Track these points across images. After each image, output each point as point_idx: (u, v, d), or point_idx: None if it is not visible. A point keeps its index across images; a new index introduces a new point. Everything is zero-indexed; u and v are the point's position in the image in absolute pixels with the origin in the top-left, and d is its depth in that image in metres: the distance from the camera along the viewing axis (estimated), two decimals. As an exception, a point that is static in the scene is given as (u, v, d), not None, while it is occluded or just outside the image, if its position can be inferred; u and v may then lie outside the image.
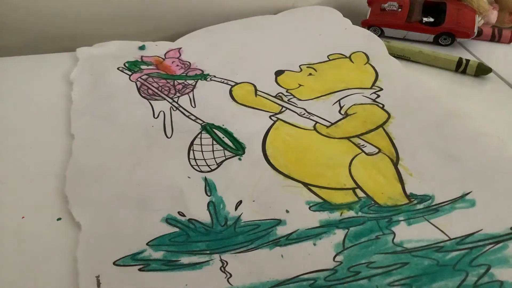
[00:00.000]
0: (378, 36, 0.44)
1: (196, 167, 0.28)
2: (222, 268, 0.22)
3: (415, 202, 0.26)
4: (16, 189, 0.27)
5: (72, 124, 0.31)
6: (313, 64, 0.40)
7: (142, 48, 0.39)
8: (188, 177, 0.28)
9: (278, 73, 0.38)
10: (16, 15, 0.40)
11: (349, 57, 0.40)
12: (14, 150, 0.29)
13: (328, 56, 0.41)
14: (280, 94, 0.36)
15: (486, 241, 0.23)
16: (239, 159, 0.29)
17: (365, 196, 0.26)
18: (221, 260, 0.23)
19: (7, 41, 0.41)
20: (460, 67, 0.41)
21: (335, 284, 0.22)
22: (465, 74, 0.41)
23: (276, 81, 0.37)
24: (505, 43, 0.50)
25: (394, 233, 0.24)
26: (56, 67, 0.37)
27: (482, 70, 0.40)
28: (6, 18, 0.40)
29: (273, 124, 0.32)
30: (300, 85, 0.37)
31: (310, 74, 0.38)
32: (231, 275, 0.22)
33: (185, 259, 0.23)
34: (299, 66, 0.39)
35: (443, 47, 0.47)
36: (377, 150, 0.29)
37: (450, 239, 0.24)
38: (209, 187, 0.27)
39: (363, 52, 0.41)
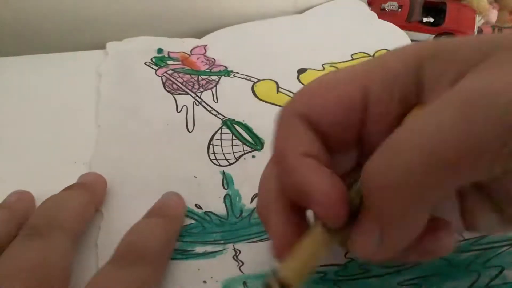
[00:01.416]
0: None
1: (215, 161, 0.29)
2: (235, 257, 0.23)
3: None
4: (41, 175, 0.28)
5: (99, 115, 0.33)
6: (336, 63, 0.40)
7: (159, 51, 0.40)
8: (206, 170, 0.28)
9: (301, 71, 0.39)
10: (45, 16, 0.42)
11: (373, 56, 0.40)
12: (44, 138, 0.31)
13: (351, 55, 0.41)
14: (301, 92, 0.36)
15: (501, 242, 0.23)
16: (258, 151, 0.30)
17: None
18: (234, 249, 0.24)
19: (40, 40, 0.43)
20: None
21: (345, 279, 0.22)
22: None
23: (298, 79, 0.38)
24: (505, 43, 0.49)
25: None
26: (86, 63, 0.39)
27: None
28: (37, 19, 0.42)
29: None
30: (321, 83, 0.37)
31: (333, 72, 0.39)
32: (243, 263, 0.23)
33: (199, 249, 0.24)
34: (322, 65, 0.40)
35: (442, 47, 0.46)
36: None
37: (465, 240, 0.24)
38: (227, 181, 0.28)
39: (387, 50, 0.41)
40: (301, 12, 0.49)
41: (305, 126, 0.18)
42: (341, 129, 0.18)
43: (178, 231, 0.24)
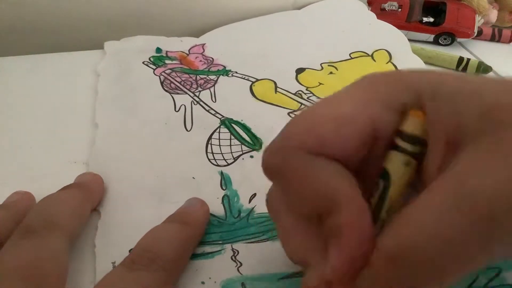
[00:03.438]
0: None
1: (213, 161, 0.29)
2: (233, 257, 0.23)
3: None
4: (40, 175, 0.28)
5: (97, 114, 0.33)
6: (334, 62, 0.40)
7: (158, 51, 0.40)
8: (205, 171, 0.28)
9: (299, 70, 0.39)
10: (45, 17, 0.42)
11: (371, 55, 0.40)
12: (43, 138, 0.31)
13: (350, 54, 0.41)
14: (299, 92, 0.36)
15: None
16: (257, 151, 0.30)
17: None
18: (232, 249, 0.24)
19: (39, 40, 0.43)
20: (461, 66, 0.41)
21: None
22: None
23: (296, 78, 0.38)
24: (505, 43, 0.49)
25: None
26: (84, 63, 0.39)
27: (482, 69, 0.40)
28: (35, 20, 0.42)
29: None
30: (320, 84, 0.37)
31: (331, 72, 0.39)
32: (241, 264, 0.23)
33: (197, 249, 0.24)
34: (320, 64, 0.40)
35: (443, 47, 0.46)
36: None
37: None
38: (225, 181, 0.28)
39: (385, 50, 0.41)
40: (299, 9, 0.49)
41: (323, 159, 0.17)
42: (351, 163, 0.17)
43: (198, 238, 0.24)
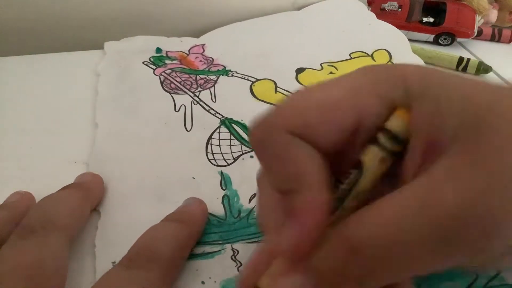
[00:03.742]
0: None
1: (213, 161, 0.29)
2: (233, 257, 0.23)
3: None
4: (40, 175, 0.28)
5: (97, 114, 0.33)
6: (335, 62, 0.40)
7: (158, 51, 0.40)
8: (205, 171, 0.28)
9: (299, 70, 0.39)
10: (45, 17, 0.42)
11: (371, 55, 0.40)
12: (43, 138, 0.31)
13: (350, 54, 0.41)
14: (299, 91, 0.36)
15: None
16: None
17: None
18: (232, 249, 0.24)
19: (39, 40, 0.43)
20: (461, 66, 0.41)
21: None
22: (466, 73, 0.41)
23: (296, 78, 0.38)
24: (505, 43, 0.49)
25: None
26: (84, 63, 0.39)
27: (482, 69, 0.40)
28: (35, 20, 0.42)
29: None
30: (320, 83, 0.37)
31: (331, 72, 0.39)
32: (241, 264, 0.23)
33: (198, 249, 0.24)
34: (320, 64, 0.40)
35: (443, 47, 0.46)
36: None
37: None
38: (225, 181, 0.28)
39: (385, 50, 0.41)
40: (299, 10, 0.49)
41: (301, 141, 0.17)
42: (331, 148, 0.18)
43: (196, 237, 0.24)
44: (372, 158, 0.17)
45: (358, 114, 0.17)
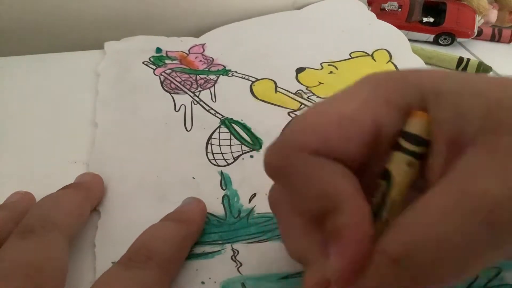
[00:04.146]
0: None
1: (213, 161, 0.29)
2: (233, 257, 0.23)
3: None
4: (40, 175, 0.28)
5: (97, 114, 0.33)
6: (335, 62, 0.40)
7: (158, 51, 0.40)
8: (205, 171, 0.28)
9: (299, 70, 0.39)
10: (45, 17, 0.42)
11: (371, 55, 0.40)
12: (43, 138, 0.31)
13: (350, 54, 0.41)
14: (299, 91, 0.36)
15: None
16: (257, 151, 0.30)
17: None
18: (232, 249, 0.24)
19: (39, 40, 0.43)
20: (461, 66, 0.41)
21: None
22: None
23: (296, 78, 0.38)
24: (505, 43, 0.49)
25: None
26: (84, 63, 0.39)
27: (482, 69, 0.40)
28: (35, 20, 0.42)
29: (291, 121, 0.32)
30: (320, 83, 0.37)
31: (331, 72, 0.39)
32: (241, 264, 0.23)
33: (198, 249, 0.24)
34: (320, 63, 0.40)
35: (443, 47, 0.46)
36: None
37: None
38: (225, 181, 0.28)
39: (385, 50, 0.41)
40: (299, 9, 0.49)
41: (325, 160, 0.17)
42: (354, 162, 0.17)
43: (195, 237, 0.24)
44: (399, 164, 0.16)
45: (376, 124, 0.17)
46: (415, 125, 0.16)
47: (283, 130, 0.18)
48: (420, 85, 0.17)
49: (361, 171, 0.17)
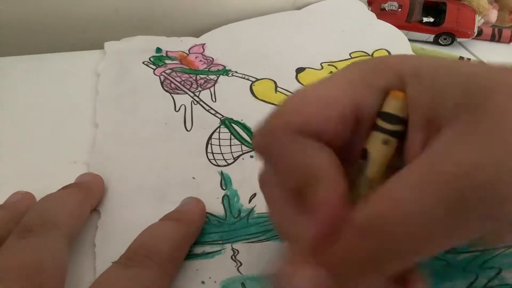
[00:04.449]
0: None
1: (213, 161, 0.29)
2: (233, 257, 0.23)
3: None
4: (40, 175, 0.28)
5: (97, 114, 0.33)
6: (335, 62, 0.40)
7: (158, 51, 0.40)
8: (205, 171, 0.28)
9: (299, 70, 0.39)
10: (45, 17, 0.42)
11: (371, 55, 0.40)
12: (43, 138, 0.31)
13: (350, 54, 0.41)
14: (299, 91, 0.36)
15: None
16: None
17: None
18: (232, 249, 0.24)
19: (39, 40, 0.43)
20: None
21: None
22: None
23: (296, 78, 0.38)
24: (505, 43, 0.49)
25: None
26: (84, 63, 0.39)
27: None
28: (35, 20, 0.42)
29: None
30: (320, 83, 0.37)
31: (331, 72, 0.39)
32: (241, 264, 0.23)
33: (198, 249, 0.24)
34: (321, 64, 0.40)
35: (443, 47, 0.46)
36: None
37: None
38: (225, 181, 0.28)
39: (385, 50, 0.41)
40: (299, 9, 0.49)
41: (306, 138, 0.18)
42: (335, 142, 0.18)
43: (194, 236, 0.24)
44: (376, 142, 0.17)
45: (356, 105, 0.17)
46: (391, 104, 0.17)
47: (271, 111, 0.19)
48: (399, 68, 0.17)
49: (346, 153, 0.18)
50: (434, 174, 0.13)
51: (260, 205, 0.26)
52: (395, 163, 0.17)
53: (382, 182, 0.16)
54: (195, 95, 0.35)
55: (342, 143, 0.18)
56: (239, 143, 0.31)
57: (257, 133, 0.19)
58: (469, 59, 0.42)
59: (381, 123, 0.17)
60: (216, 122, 0.32)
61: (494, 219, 0.13)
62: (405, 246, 0.14)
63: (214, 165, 0.29)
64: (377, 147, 0.17)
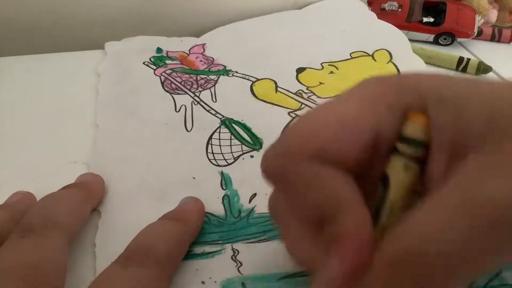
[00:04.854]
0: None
1: (214, 161, 0.29)
2: (233, 257, 0.23)
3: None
4: (41, 175, 0.28)
5: (98, 115, 0.33)
6: (335, 62, 0.40)
7: (158, 51, 0.40)
8: (205, 171, 0.28)
9: (300, 70, 0.39)
10: (45, 17, 0.42)
11: (372, 55, 0.40)
12: (43, 138, 0.31)
13: (350, 54, 0.41)
14: (300, 91, 0.36)
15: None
16: (257, 151, 0.30)
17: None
18: (232, 249, 0.24)
19: (39, 40, 0.43)
20: (461, 66, 0.41)
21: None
22: (466, 73, 0.41)
23: (297, 78, 0.38)
24: (505, 43, 0.49)
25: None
26: (84, 63, 0.39)
27: (482, 69, 0.40)
28: (35, 20, 0.42)
29: (291, 121, 0.32)
30: (320, 83, 0.37)
31: (332, 72, 0.39)
32: (241, 264, 0.23)
33: (198, 249, 0.24)
34: (321, 63, 0.40)
35: (443, 47, 0.46)
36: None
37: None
38: (225, 181, 0.28)
39: (386, 50, 0.41)
40: (300, 9, 0.49)
41: (324, 165, 0.17)
42: (353, 166, 0.17)
43: (193, 235, 0.24)
44: (396, 167, 0.16)
45: (375, 128, 0.17)
46: (411, 127, 0.16)
47: (282, 131, 0.18)
48: (420, 89, 0.17)
49: (361, 175, 0.17)
50: (473, 202, 0.13)
51: (260, 205, 0.26)
52: (414, 186, 0.16)
53: (403, 207, 0.16)
54: (196, 95, 0.35)
55: (359, 168, 0.17)
56: (239, 143, 0.31)
57: (268, 157, 0.18)
58: (469, 59, 0.42)
59: (401, 147, 0.16)
60: (217, 122, 0.32)
61: None
62: (441, 276, 0.13)
63: (214, 165, 0.29)
64: (398, 172, 0.16)
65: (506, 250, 0.13)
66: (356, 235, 0.15)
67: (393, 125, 0.17)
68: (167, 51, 0.41)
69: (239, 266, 0.23)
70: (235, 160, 0.29)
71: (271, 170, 0.18)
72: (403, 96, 0.17)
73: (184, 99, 0.35)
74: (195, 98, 0.35)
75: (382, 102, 0.17)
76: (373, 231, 0.16)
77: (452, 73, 0.41)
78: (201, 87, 0.36)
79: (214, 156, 0.30)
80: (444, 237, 0.13)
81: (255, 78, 0.37)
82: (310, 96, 0.35)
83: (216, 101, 0.35)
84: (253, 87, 0.36)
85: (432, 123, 0.16)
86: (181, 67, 0.39)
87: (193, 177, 0.28)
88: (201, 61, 0.40)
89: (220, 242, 0.24)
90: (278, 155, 0.17)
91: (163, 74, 0.38)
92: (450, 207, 0.13)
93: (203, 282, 0.22)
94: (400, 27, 0.45)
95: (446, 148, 0.15)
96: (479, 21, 0.48)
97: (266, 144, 0.30)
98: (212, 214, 0.26)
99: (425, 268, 0.13)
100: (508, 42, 0.50)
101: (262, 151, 0.30)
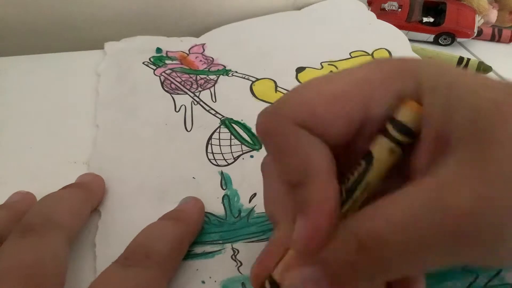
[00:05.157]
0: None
1: (214, 161, 0.29)
2: (233, 257, 0.23)
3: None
4: (41, 175, 0.28)
5: (98, 115, 0.33)
6: (335, 61, 0.40)
7: (158, 51, 0.40)
8: (205, 171, 0.28)
9: (299, 70, 0.39)
10: (45, 17, 0.42)
11: (371, 55, 0.40)
12: (43, 138, 0.31)
13: (350, 54, 0.41)
14: (300, 91, 0.36)
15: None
16: (257, 151, 0.30)
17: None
18: (232, 248, 0.24)
19: (39, 40, 0.43)
20: (461, 66, 0.41)
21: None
22: None
23: (296, 77, 0.38)
24: (505, 43, 0.49)
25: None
26: (84, 63, 0.39)
27: (482, 69, 0.40)
28: (35, 20, 0.42)
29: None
30: (320, 83, 0.37)
31: (331, 71, 0.39)
32: (241, 264, 0.23)
33: (198, 249, 0.24)
34: (321, 63, 0.40)
35: (443, 47, 0.46)
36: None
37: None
38: (225, 181, 0.28)
39: (385, 49, 0.41)
40: (299, 9, 0.49)
41: (308, 133, 0.17)
42: (339, 140, 0.18)
43: (193, 235, 0.24)
44: (381, 149, 0.17)
45: (367, 105, 0.17)
46: (405, 114, 0.16)
47: (278, 98, 0.19)
48: (417, 74, 0.17)
49: (346, 149, 0.18)
50: (446, 200, 0.13)
51: (260, 205, 0.26)
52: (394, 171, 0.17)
53: (376, 186, 0.17)
54: (195, 95, 0.35)
55: (343, 141, 0.18)
56: (239, 143, 0.31)
57: (263, 116, 0.19)
58: (469, 59, 0.42)
59: (391, 130, 0.17)
60: (216, 122, 0.33)
61: (496, 253, 0.14)
62: (402, 265, 0.14)
63: (214, 165, 0.29)
64: (382, 154, 0.17)
65: (459, 256, 0.14)
66: (321, 204, 0.16)
67: (385, 106, 0.17)
68: (167, 51, 0.41)
69: (239, 266, 0.23)
70: (235, 160, 0.29)
71: (261, 126, 0.19)
72: (401, 79, 0.17)
73: (184, 99, 0.35)
74: (195, 98, 0.35)
75: (381, 82, 0.17)
76: (346, 204, 0.16)
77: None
78: (201, 87, 0.36)
79: (214, 156, 0.30)
80: (403, 231, 0.14)
81: (254, 78, 0.37)
82: (310, 96, 0.35)
83: (216, 101, 0.35)
84: (253, 87, 0.36)
85: (424, 114, 0.16)
86: (181, 67, 0.39)
87: (193, 177, 0.28)
88: (200, 61, 0.40)
89: (220, 241, 0.24)
90: (271, 114, 0.18)
91: (163, 74, 0.38)
92: (416, 206, 0.14)
93: (203, 282, 0.22)
94: (400, 27, 0.45)
95: (432, 141, 0.16)
96: (479, 21, 0.48)
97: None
98: (212, 214, 0.26)
99: (388, 255, 0.14)
100: (508, 42, 0.50)
101: (262, 151, 0.30)
